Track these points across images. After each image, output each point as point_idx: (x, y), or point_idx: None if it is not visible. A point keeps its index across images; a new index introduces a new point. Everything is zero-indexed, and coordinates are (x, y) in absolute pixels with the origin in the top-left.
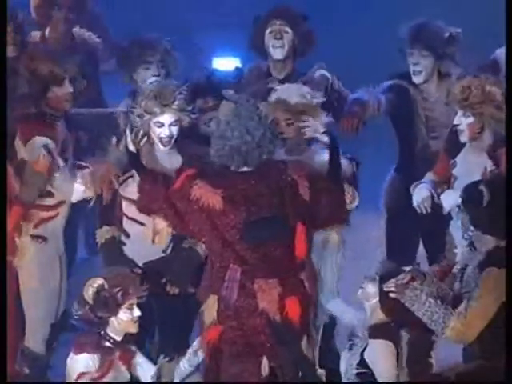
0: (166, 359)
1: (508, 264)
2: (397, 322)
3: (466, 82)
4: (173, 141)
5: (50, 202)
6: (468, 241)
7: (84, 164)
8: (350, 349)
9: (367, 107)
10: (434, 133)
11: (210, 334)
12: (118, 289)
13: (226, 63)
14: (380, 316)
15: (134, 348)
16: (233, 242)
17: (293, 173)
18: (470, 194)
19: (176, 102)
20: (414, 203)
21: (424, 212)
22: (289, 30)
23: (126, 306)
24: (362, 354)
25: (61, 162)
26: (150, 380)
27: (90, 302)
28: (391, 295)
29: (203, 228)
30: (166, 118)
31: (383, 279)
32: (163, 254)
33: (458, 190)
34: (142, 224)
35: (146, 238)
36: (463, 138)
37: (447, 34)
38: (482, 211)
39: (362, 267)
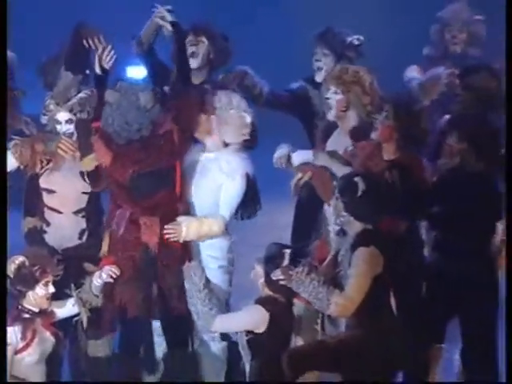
0: (78, 290)
1: (508, 260)
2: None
3: (346, 66)
4: (74, 137)
5: None
6: (339, 226)
7: (14, 137)
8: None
9: (253, 78)
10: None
11: (104, 263)
12: (37, 267)
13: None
14: (269, 292)
15: (50, 309)
16: (126, 188)
17: (166, 126)
18: (346, 184)
19: (69, 103)
20: (274, 160)
21: (280, 167)
22: (205, 41)
23: (42, 282)
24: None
25: None
26: (74, 309)
27: (11, 276)
28: (280, 282)
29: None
30: (61, 115)
31: (267, 260)
32: (80, 241)
33: (308, 151)
34: (60, 213)
35: (63, 226)
36: (330, 116)
37: (349, 39)
38: (355, 200)
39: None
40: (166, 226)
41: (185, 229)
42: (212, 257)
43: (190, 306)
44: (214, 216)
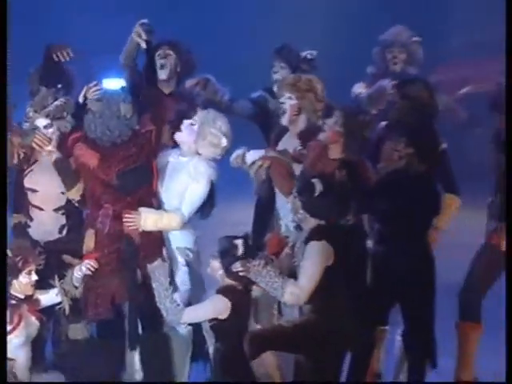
0: (61, 281)
1: (508, 262)
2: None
3: (299, 74)
4: (53, 142)
5: None
6: (296, 222)
7: None
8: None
9: (214, 85)
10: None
11: (85, 258)
12: (19, 258)
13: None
14: (228, 281)
15: (36, 297)
16: (111, 186)
17: (147, 126)
18: (304, 184)
19: (46, 109)
20: (231, 159)
21: (236, 166)
22: (173, 54)
23: (25, 271)
24: None
25: None
26: (57, 298)
27: None
28: (240, 273)
29: (86, 178)
30: (39, 121)
31: (223, 253)
32: (60, 236)
33: (260, 151)
34: (42, 210)
35: (45, 221)
36: (284, 120)
37: (304, 54)
38: (312, 200)
39: None
40: (126, 215)
41: (143, 219)
42: (180, 249)
43: (159, 304)
44: (174, 212)
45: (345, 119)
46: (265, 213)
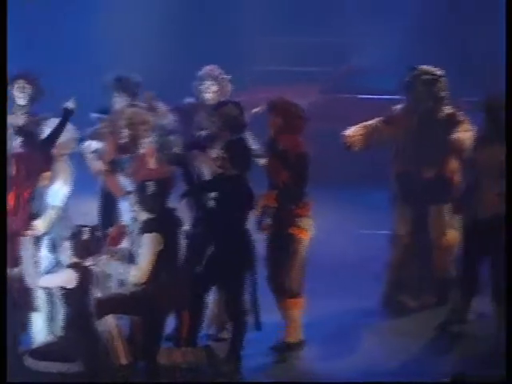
0: None
1: (509, 261)
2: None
3: (136, 111)
4: None
5: None
6: (132, 214)
7: None
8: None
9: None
10: None
11: None
12: None
13: None
14: (74, 259)
15: None
16: None
17: None
18: (139, 186)
19: None
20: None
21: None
22: (28, 85)
23: None
24: None
25: None
26: None
27: None
28: (92, 268)
29: None
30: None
31: (72, 237)
32: None
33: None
34: None
35: None
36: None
37: (137, 80)
38: (144, 198)
39: None
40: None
41: (42, 222)
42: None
43: (24, 269)
44: (52, 208)
45: (158, 138)
46: (107, 206)
